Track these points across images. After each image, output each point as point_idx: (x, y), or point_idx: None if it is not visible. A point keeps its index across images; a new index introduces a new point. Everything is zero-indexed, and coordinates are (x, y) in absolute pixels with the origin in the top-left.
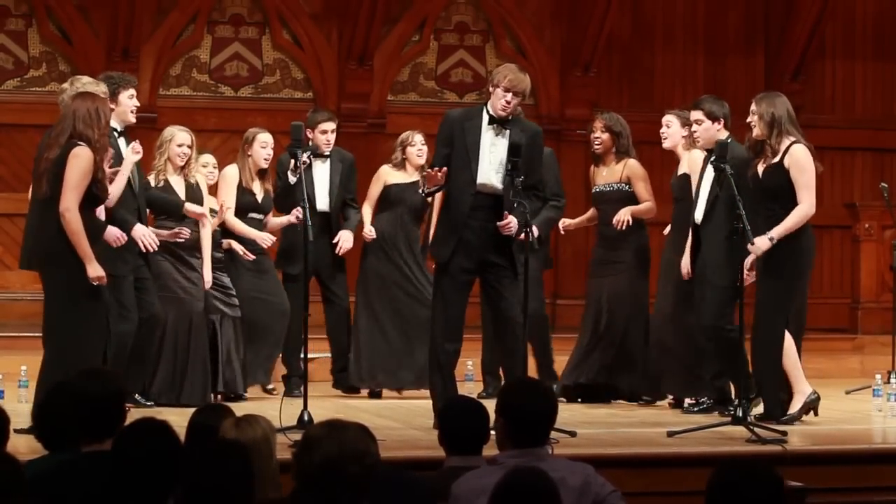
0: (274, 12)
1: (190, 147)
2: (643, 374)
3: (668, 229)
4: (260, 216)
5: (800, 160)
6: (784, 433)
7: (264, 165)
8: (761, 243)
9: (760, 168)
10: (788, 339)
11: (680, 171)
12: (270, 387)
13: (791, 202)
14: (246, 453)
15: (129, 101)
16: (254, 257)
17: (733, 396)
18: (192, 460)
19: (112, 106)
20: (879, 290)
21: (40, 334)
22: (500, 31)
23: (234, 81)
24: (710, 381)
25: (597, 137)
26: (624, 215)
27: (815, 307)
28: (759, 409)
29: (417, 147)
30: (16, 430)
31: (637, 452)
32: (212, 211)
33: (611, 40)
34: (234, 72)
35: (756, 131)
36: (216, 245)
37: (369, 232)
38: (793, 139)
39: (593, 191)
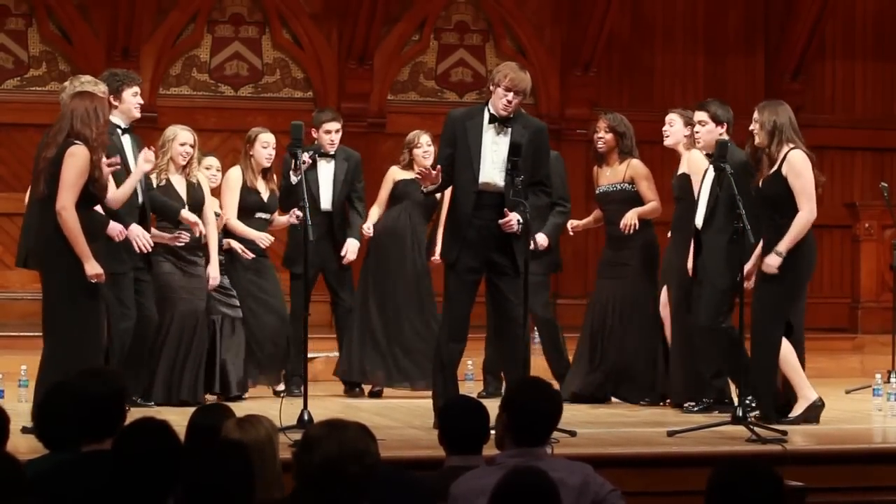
0: (274, 12)
1: (192, 146)
2: (645, 379)
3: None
4: (266, 215)
5: (796, 166)
6: (784, 433)
7: (266, 165)
8: (771, 261)
9: (760, 178)
10: (787, 345)
11: (680, 171)
12: (280, 388)
13: (792, 210)
14: (246, 453)
15: (132, 99)
16: (252, 256)
17: (733, 396)
18: (192, 460)
19: (116, 103)
20: (879, 289)
21: (40, 334)
22: (500, 30)
23: (234, 81)
24: (710, 380)
25: (600, 137)
26: (630, 219)
27: (815, 307)
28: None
29: (423, 149)
30: (22, 430)
31: (637, 452)
32: (215, 214)
33: (611, 40)
34: (234, 71)
35: (757, 139)
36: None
37: (367, 229)
38: (791, 146)
39: (597, 192)
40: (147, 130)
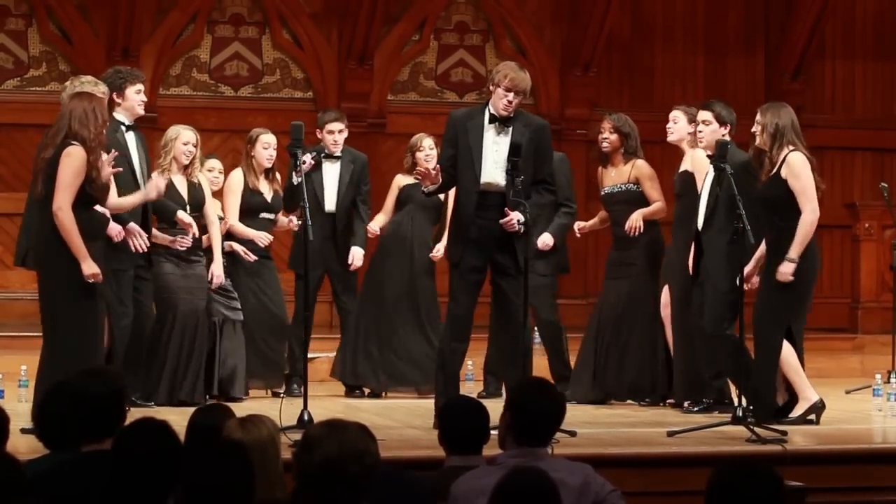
0: (274, 12)
1: (195, 146)
2: (646, 380)
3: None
4: (271, 215)
5: (794, 168)
6: (784, 433)
7: (268, 166)
8: (785, 269)
9: (762, 180)
10: (788, 347)
11: (683, 168)
12: (280, 390)
13: (791, 212)
14: (246, 453)
15: (136, 96)
16: (255, 258)
17: (733, 396)
18: (193, 460)
19: (119, 100)
20: (879, 289)
21: (40, 334)
22: (500, 30)
23: (234, 81)
24: (710, 381)
25: (605, 138)
26: (635, 221)
27: (815, 307)
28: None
29: (425, 152)
30: (22, 431)
31: (637, 452)
32: (220, 218)
33: (611, 40)
34: (234, 71)
35: (758, 141)
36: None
37: (373, 229)
38: (791, 148)
39: (602, 193)
40: (147, 131)
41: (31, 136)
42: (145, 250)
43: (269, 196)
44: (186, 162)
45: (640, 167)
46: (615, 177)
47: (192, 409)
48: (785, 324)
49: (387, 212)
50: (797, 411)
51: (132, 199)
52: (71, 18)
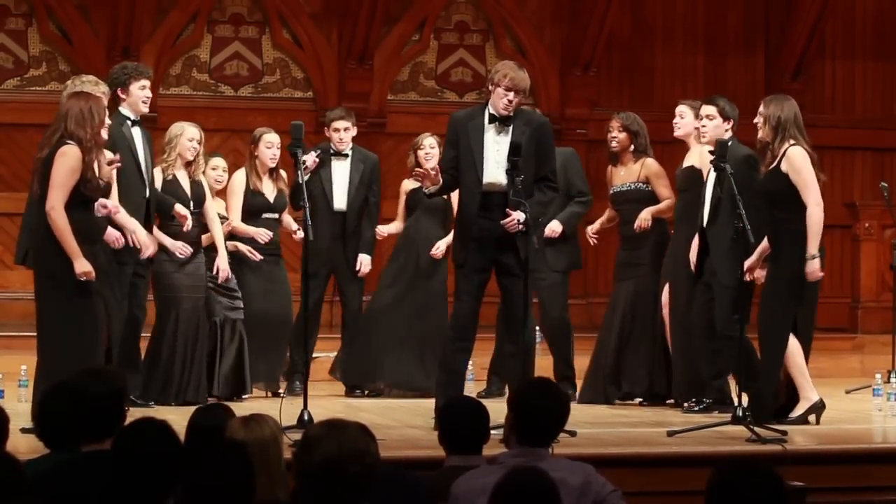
0: (274, 12)
1: (199, 143)
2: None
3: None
4: (275, 215)
5: (794, 162)
6: (784, 433)
7: (271, 165)
8: (811, 268)
9: (762, 173)
10: (795, 345)
11: (688, 163)
12: (281, 391)
13: (791, 205)
14: (246, 453)
15: (139, 92)
16: (261, 257)
17: (733, 396)
18: (192, 460)
19: (123, 96)
20: (879, 289)
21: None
22: (500, 30)
23: (234, 81)
24: (710, 381)
25: (613, 137)
26: (644, 218)
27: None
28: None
29: (425, 150)
30: (22, 431)
31: (637, 452)
32: (222, 218)
33: (611, 40)
34: (234, 71)
35: (760, 133)
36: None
37: (381, 231)
38: (792, 142)
39: (611, 192)
40: (147, 130)
41: (31, 136)
42: (141, 246)
43: (271, 196)
44: (191, 158)
45: (650, 165)
46: (624, 175)
47: (192, 409)
48: (790, 320)
49: (400, 218)
50: (797, 411)
51: (126, 219)
52: (71, 18)
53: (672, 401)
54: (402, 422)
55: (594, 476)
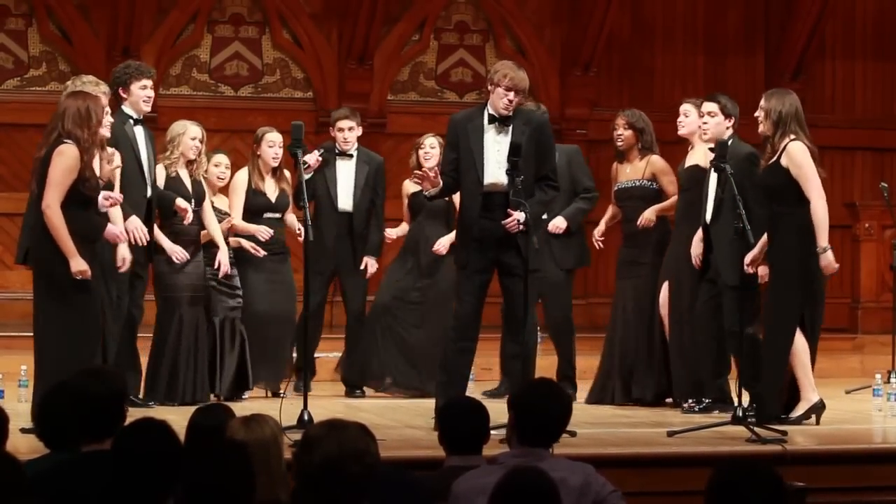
0: (274, 12)
1: (201, 141)
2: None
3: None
4: (277, 215)
5: (795, 157)
6: (784, 433)
7: (274, 164)
8: (825, 262)
9: (762, 166)
10: (801, 343)
11: (692, 162)
12: (281, 391)
13: (790, 199)
14: (246, 453)
15: (140, 92)
16: (264, 253)
17: (733, 395)
18: (192, 460)
19: (125, 95)
20: (879, 289)
21: None
22: (500, 30)
23: (234, 81)
24: (711, 379)
25: (619, 135)
26: (648, 215)
27: None
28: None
29: (426, 150)
30: (22, 431)
31: (637, 452)
32: (225, 214)
33: (611, 40)
34: (234, 71)
35: (761, 128)
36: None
37: (389, 234)
38: (792, 137)
39: (615, 188)
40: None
41: (31, 136)
42: (145, 244)
43: (273, 196)
44: (193, 157)
45: (655, 163)
46: (630, 172)
47: (192, 409)
48: (797, 317)
49: (406, 220)
50: (797, 411)
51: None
52: (71, 18)
53: (671, 400)
54: (402, 422)
55: (594, 476)
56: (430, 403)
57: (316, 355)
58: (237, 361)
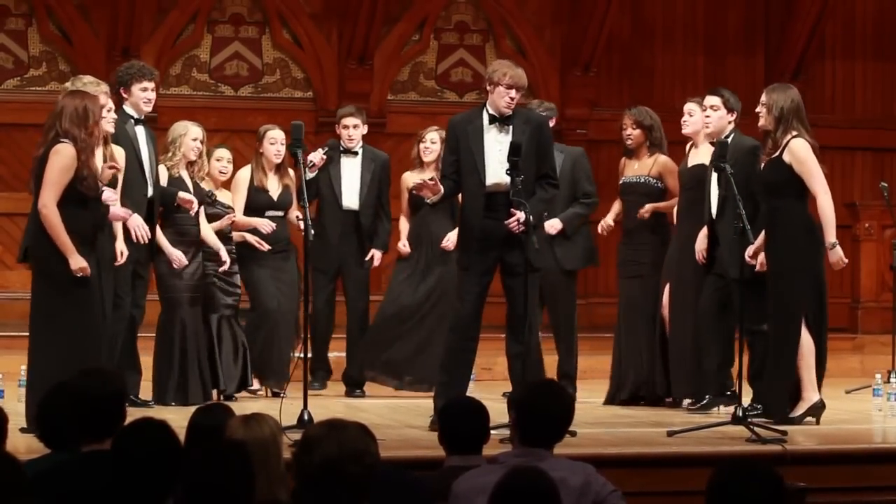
0: (274, 12)
1: (202, 142)
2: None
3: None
4: (279, 213)
5: (798, 154)
6: (784, 433)
7: (276, 161)
8: (833, 257)
9: (763, 162)
10: (808, 342)
11: (697, 161)
12: (281, 391)
13: (790, 195)
14: (246, 453)
15: (140, 93)
16: (268, 247)
17: (734, 389)
18: (192, 460)
19: (125, 96)
20: (879, 289)
21: None
22: (500, 30)
23: (234, 81)
24: (715, 371)
25: (628, 134)
26: (646, 209)
27: None
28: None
29: (426, 144)
30: (21, 430)
31: (637, 452)
32: (228, 207)
33: (611, 40)
34: (234, 71)
35: (762, 122)
36: (226, 238)
37: (403, 246)
38: (794, 133)
39: (621, 182)
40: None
41: (31, 136)
42: (146, 241)
43: (275, 194)
44: (194, 158)
45: (664, 163)
46: (637, 168)
47: (191, 409)
48: (801, 315)
49: (406, 214)
50: (797, 411)
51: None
52: (71, 18)
53: (672, 400)
54: (402, 422)
55: (594, 476)
56: (430, 403)
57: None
58: (238, 358)
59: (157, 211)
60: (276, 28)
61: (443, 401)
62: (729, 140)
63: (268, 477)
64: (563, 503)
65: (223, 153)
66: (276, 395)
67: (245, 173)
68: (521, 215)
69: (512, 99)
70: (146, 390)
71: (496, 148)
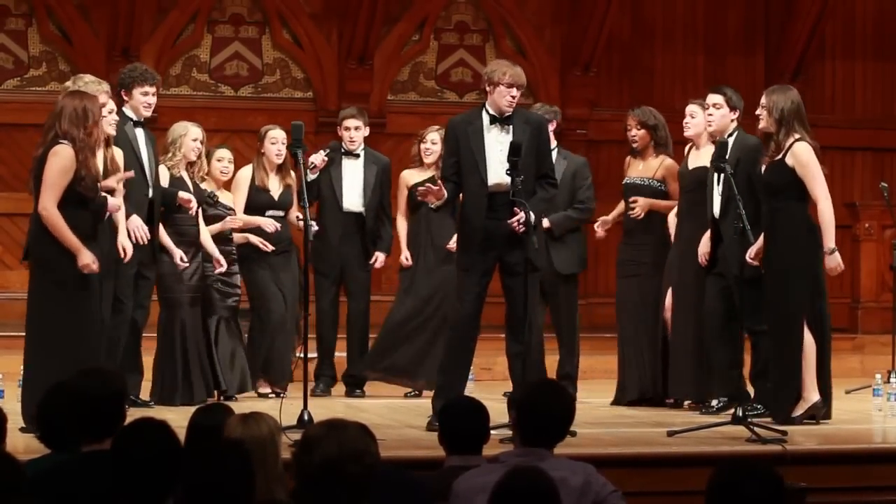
0: (274, 12)
1: (202, 143)
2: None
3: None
4: (280, 213)
5: (801, 158)
6: (784, 433)
7: (278, 161)
8: (831, 262)
9: (764, 164)
10: (809, 342)
11: (700, 163)
12: (280, 390)
13: (792, 197)
14: (246, 453)
15: (141, 97)
16: (272, 248)
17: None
18: (192, 460)
19: (126, 99)
20: (879, 289)
21: None
22: (500, 30)
23: (234, 81)
24: (726, 372)
25: (633, 135)
26: (643, 205)
27: None
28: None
29: (427, 144)
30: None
31: (637, 452)
32: (229, 209)
33: (611, 40)
34: (234, 71)
35: (762, 124)
36: (226, 240)
37: (406, 259)
38: (797, 136)
39: (624, 182)
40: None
41: (31, 136)
42: (145, 242)
43: (276, 193)
44: (195, 158)
45: (669, 167)
46: (642, 169)
47: (191, 409)
48: (802, 314)
49: (403, 213)
50: (797, 411)
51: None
52: (71, 18)
53: (672, 401)
54: (402, 422)
55: (595, 476)
56: (430, 403)
57: (312, 355)
58: (239, 362)
59: (158, 211)
60: (276, 28)
61: (441, 401)
62: (733, 138)
63: (265, 476)
64: (564, 503)
65: (224, 154)
66: (277, 395)
67: (246, 172)
68: (522, 215)
69: (513, 97)
70: (146, 390)
71: (497, 148)
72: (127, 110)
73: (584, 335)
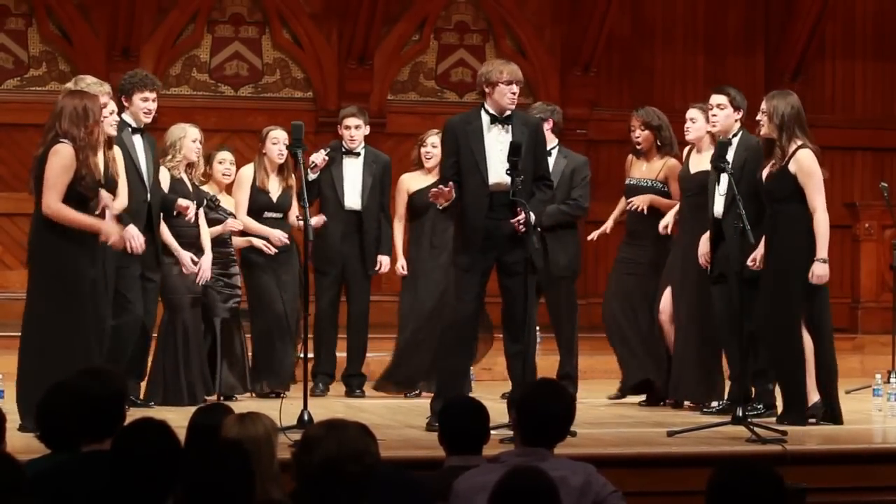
0: (274, 12)
1: (201, 143)
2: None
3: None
4: (278, 214)
5: (805, 166)
6: (784, 433)
7: (279, 161)
8: (820, 271)
9: (766, 170)
10: (809, 344)
11: (701, 167)
12: (280, 390)
13: (793, 200)
14: (246, 453)
15: (140, 103)
16: (275, 251)
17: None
18: (192, 460)
19: (126, 104)
20: (879, 289)
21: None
22: (500, 30)
23: (234, 81)
24: (740, 377)
25: (637, 136)
26: (642, 201)
27: None
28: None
29: (427, 148)
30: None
31: (637, 452)
32: (229, 213)
33: (611, 40)
34: (234, 71)
35: (763, 129)
36: (223, 242)
37: (401, 269)
38: (799, 142)
39: (627, 182)
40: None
41: (31, 136)
42: (139, 252)
43: (276, 195)
44: (194, 159)
45: (672, 167)
46: (645, 171)
47: (191, 409)
48: (800, 316)
49: (400, 216)
50: None
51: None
52: (71, 18)
53: (673, 401)
54: (402, 422)
55: (595, 476)
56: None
57: (312, 355)
58: (240, 363)
59: (158, 216)
60: (276, 28)
61: (441, 402)
62: (737, 139)
63: (260, 475)
64: (564, 503)
65: (225, 156)
66: (277, 395)
67: (248, 171)
68: (523, 215)
69: (514, 94)
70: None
71: (497, 148)
72: (126, 117)
73: (583, 335)
